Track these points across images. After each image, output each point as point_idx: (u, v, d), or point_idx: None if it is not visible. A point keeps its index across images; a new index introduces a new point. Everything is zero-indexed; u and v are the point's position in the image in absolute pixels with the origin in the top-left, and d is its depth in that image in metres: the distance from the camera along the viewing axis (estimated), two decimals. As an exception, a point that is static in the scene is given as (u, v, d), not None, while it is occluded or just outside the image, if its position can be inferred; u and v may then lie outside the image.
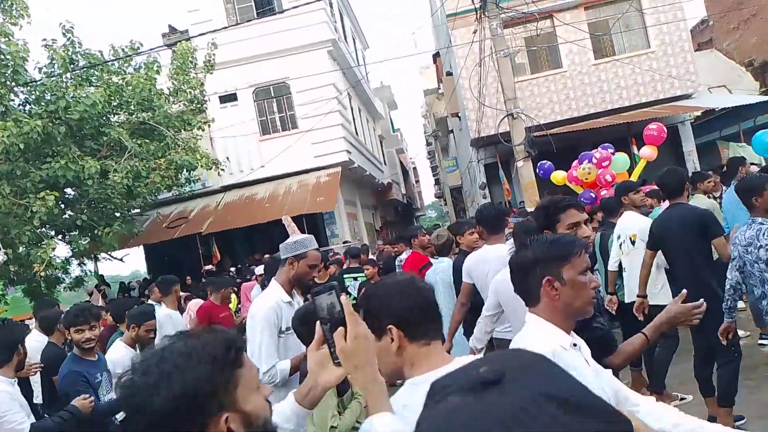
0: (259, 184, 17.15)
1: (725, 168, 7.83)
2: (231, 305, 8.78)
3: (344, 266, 8.32)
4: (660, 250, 4.66)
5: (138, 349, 4.87)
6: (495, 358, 0.67)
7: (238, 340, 1.23)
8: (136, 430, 1.13)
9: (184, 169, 13.42)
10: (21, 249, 10.72)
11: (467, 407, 0.58)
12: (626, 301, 5.27)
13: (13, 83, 11.21)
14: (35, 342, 5.58)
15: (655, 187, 8.03)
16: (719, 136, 17.07)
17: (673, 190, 4.55)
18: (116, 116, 12.97)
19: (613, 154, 10.32)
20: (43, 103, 11.26)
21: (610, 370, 2.02)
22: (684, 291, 2.42)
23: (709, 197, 7.07)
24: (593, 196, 9.80)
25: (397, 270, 7.04)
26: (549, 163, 11.80)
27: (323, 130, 16.93)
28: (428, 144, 46.21)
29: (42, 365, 4.64)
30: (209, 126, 15.34)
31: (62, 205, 12.02)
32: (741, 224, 5.87)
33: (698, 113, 17.20)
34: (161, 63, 13.51)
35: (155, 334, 5.12)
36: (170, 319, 6.19)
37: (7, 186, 10.40)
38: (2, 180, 10.40)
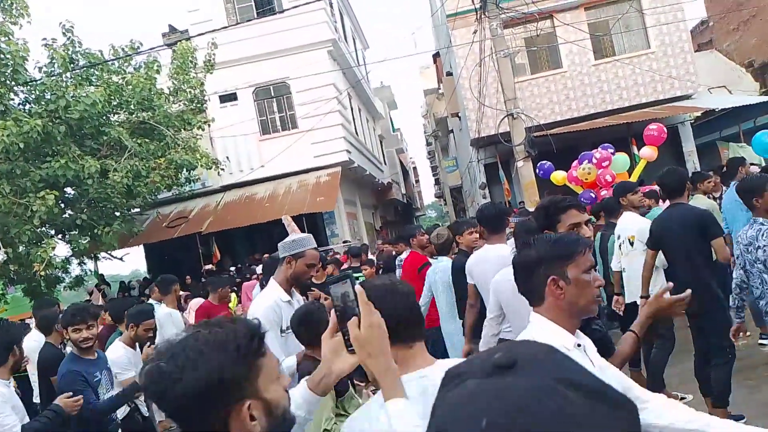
0: (259, 184, 17.15)
1: (725, 168, 7.83)
2: (231, 304, 8.79)
3: (345, 265, 8.37)
4: (660, 250, 4.66)
5: (137, 349, 4.88)
6: (507, 346, 0.68)
7: (260, 329, 1.25)
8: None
9: (184, 169, 13.42)
10: (21, 248, 10.71)
11: (485, 390, 0.60)
12: (626, 301, 5.27)
13: (13, 82, 11.20)
14: (34, 342, 5.58)
15: (654, 187, 8.05)
16: (719, 137, 17.07)
17: (673, 190, 4.55)
18: (116, 116, 12.97)
19: (613, 154, 10.32)
20: (43, 103, 11.26)
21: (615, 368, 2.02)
22: (666, 284, 2.42)
23: (709, 197, 7.08)
24: (593, 196, 9.81)
25: (397, 270, 7.03)
26: (549, 163, 11.80)
27: (323, 130, 16.93)
28: (428, 144, 46.22)
29: (27, 359, 4.63)
30: (209, 126, 15.34)
31: (62, 205, 12.02)
32: (739, 225, 5.89)
33: (698, 114, 17.21)
34: (161, 63, 13.51)
35: (154, 333, 5.12)
36: (170, 318, 6.20)
37: (7, 185, 10.40)
38: (2, 179, 10.40)
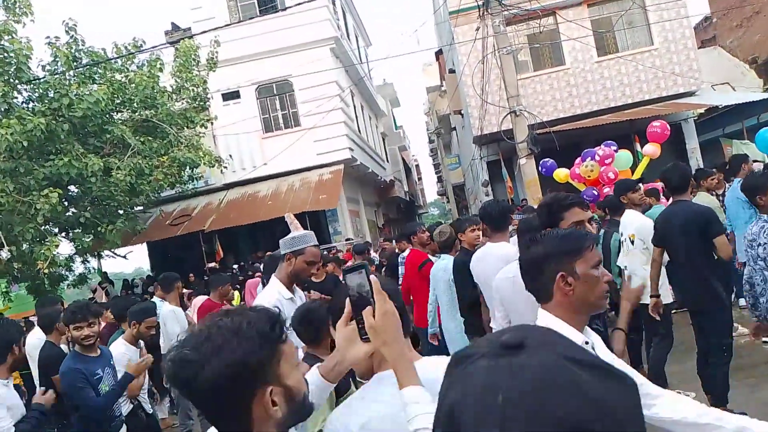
0: (262, 182, 17.16)
1: (728, 165, 7.80)
2: (235, 302, 8.81)
3: (349, 263, 8.36)
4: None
5: (139, 347, 4.89)
6: (512, 329, 0.71)
7: (281, 317, 1.28)
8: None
9: (187, 167, 13.44)
10: (24, 246, 10.74)
11: (498, 368, 0.63)
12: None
13: (17, 81, 11.22)
14: (36, 339, 5.60)
15: (656, 185, 8.03)
16: (722, 134, 17.03)
17: (676, 186, 4.52)
18: (119, 114, 12.99)
19: (616, 151, 10.31)
20: (46, 101, 11.28)
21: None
22: (629, 276, 2.44)
23: (712, 194, 7.06)
24: (596, 193, 9.80)
25: (400, 267, 7.02)
26: (551, 160, 11.79)
27: (326, 128, 16.94)
28: (431, 141, 46.20)
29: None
30: (212, 123, 15.35)
31: (66, 203, 12.05)
32: (741, 222, 5.88)
33: (701, 111, 17.16)
34: (164, 61, 13.51)
35: (156, 330, 5.14)
36: (174, 315, 6.22)
37: (11, 183, 10.42)
38: (6, 177, 10.43)
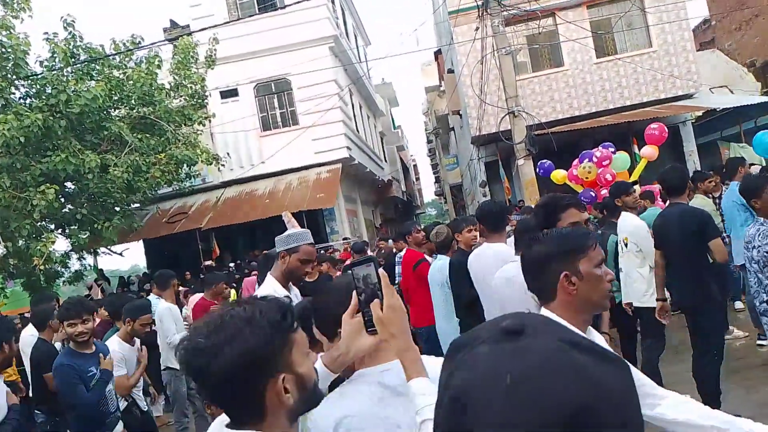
0: (259, 180, 17.15)
1: (725, 168, 7.82)
2: (232, 299, 8.78)
3: (348, 262, 8.34)
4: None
5: (134, 345, 4.88)
6: (511, 315, 0.72)
7: (291, 306, 1.31)
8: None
9: (185, 164, 13.41)
10: (21, 242, 10.72)
11: (502, 352, 0.65)
12: (624, 302, 5.26)
13: (14, 76, 11.19)
14: (30, 336, 5.59)
15: (653, 187, 8.04)
16: (720, 137, 17.06)
17: (674, 188, 4.52)
18: (117, 110, 12.95)
19: (613, 153, 10.31)
20: (43, 97, 11.24)
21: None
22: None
23: (708, 197, 7.07)
24: (593, 195, 9.80)
25: (397, 267, 7.00)
26: (549, 162, 11.79)
27: (324, 127, 16.92)
28: (429, 141, 46.22)
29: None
30: (210, 121, 15.32)
31: (62, 199, 12.01)
32: (736, 225, 5.89)
33: (699, 113, 17.19)
34: (162, 58, 13.48)
35: (151, 328, 5.12)
36: (170, 313, 6.21)
37: (8, 179, 10.40)
38: (2, 173, 10.40)
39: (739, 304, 7.21)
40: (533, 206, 7.89)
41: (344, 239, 16.29)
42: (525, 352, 0.63)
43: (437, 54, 25.09)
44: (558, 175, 11.25)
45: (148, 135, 12.74)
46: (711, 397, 4.19)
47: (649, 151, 10.89)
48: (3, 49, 10.74)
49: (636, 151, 12.23)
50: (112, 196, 12.07)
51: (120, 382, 4.45)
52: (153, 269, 17.03)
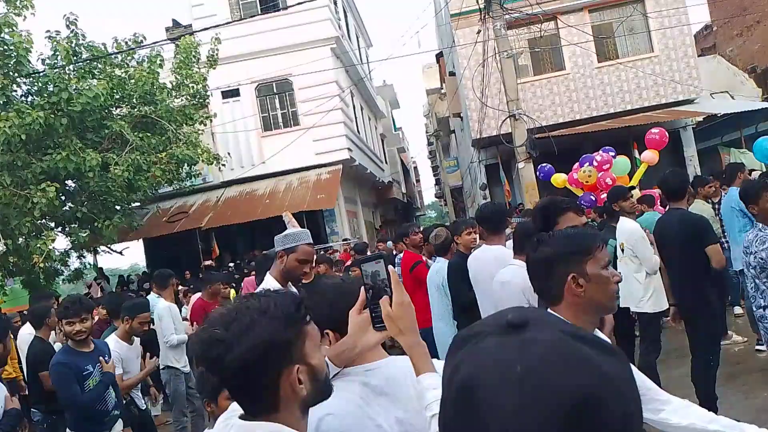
0: (260, 180, 17.15)
1: (724, 174, 7.83)
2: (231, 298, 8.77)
3: (348, 263, 8.39)
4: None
5: (132, 343, 4.87)
6: (513, 309, 0.73)
7: (304, 299, 1.33)
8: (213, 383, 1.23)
9: (185, 164, 13.41)
10: (21, 240, 10.72)
11: (510, 343, 0.66)
12: (621, 306, 5.26)
13: (16, 74, 11.20)
14: (27, 334, 5.59)
15: (653, 191, 8.04)
16: (721, 142, 17.06)
17: (674, 192, 4.52)
18: (118, 109, 12.96)
19: (614, 157, 10.32)
20: (45, 95, 11.25)
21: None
22: None
23: (708, 202, 7.08)
24: (593, 199, 9.81)
25: (396, 268, 6.97)
26: (549, 165, 11.80)
27: (325, 128, 16.93)
28: (430, 143, 46.21)
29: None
30: (211, 121, 15.33)
31: (63, 197, 12.02)
32: (735, 230, 5.89)
33: (700, 118, 17.19)
34: (164, 57, 13.50)
35: (149, 326, 5.12)
36: (169, 312, 6.22)
37: (8, 177, 10.40)
38: (3, 171, 10.40)
39: (738, 309, 7.21)
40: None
41: (344, 240, 16.29)
42: (532, 343, 0.65)
43: (439, 56, 25.10)
44: (558, 179, 11.26)
45: (149, 134, 12.75)
46: (707, 402, 4.20)
47: (650, 156, 10.89)
48: (5, 47, 10.75)
49: (636, 155, 12.23)
50: (112, 194, 12.07)
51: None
52: (153, 268, 17.02)
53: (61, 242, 13.35)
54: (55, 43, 11.76)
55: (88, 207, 12.05)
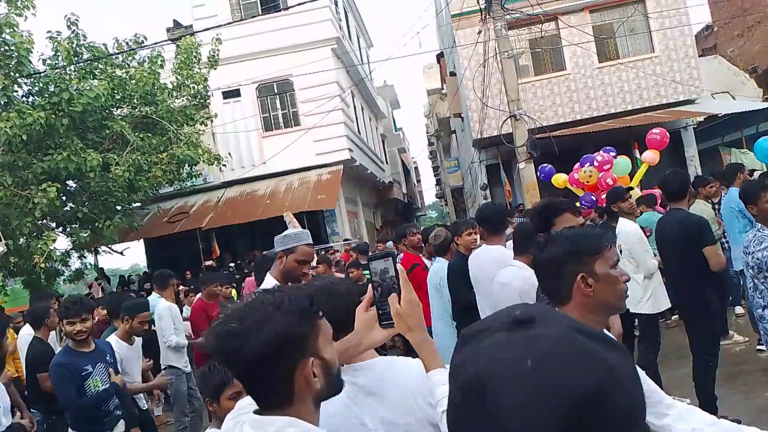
0: (260, 181, 17.16)
1: (724, 174, 7.82)
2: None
3: (351, 261, 8.42)
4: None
5: (133, 344, 4.87)
6: (520, 306, 0.75)
7: (317, 295, 1.36)
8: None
9: (186, 164, 13.43)
10: (21, 240, 10.72)
11: (519, 338, 0.67)
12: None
13: (17, 74, 11.21)
14: (27, 335, 5.59)
15: (655, 191, 8.03)
16: (721, 142, 17.04)
17: (674, 192, 4.51)
18: (119, 110, 12.98)
19: (615, 157, 10.31)
20: (46, 95, 11.26)
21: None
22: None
23: (709, 202, 7.07)
24: (594, 199, 9.80)
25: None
26: (550, 166, 11.79)
27: (325, 128, 16.94)
28: (430, 144, 46.21)
29: None
30: (212, 121, 15.34)
31: (63, 198, 12.03)
32: (734, 231, 5.89)
33: (701, 119, 17.18)
34: (165, 57, 13.51)
35: (149, 326, 5.12)
36: (170, 312, 6.22)
37: (9, 177, 10.41)
38: (4, 171, 10.41)
39: (739, 309, 7.21)
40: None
41: (345, 240, 16.29)
42: (540, 338, 0.66)
43: (439, 57, 25.10)
44: (559, 179, 11.25)
45: (149, 134, 12.76)
46: (707, 402, 4.20)
47: (651, 156, 10.89)
48: (6, 47, 10.76)
49: (637, 155, 12.21)
50: (113, 195, 12.08)
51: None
52: (153, 269, 17.04)
53: (62, 242, 13.37)
54: (56, 43, 11.77)
55: (88, 207, 12.06)
